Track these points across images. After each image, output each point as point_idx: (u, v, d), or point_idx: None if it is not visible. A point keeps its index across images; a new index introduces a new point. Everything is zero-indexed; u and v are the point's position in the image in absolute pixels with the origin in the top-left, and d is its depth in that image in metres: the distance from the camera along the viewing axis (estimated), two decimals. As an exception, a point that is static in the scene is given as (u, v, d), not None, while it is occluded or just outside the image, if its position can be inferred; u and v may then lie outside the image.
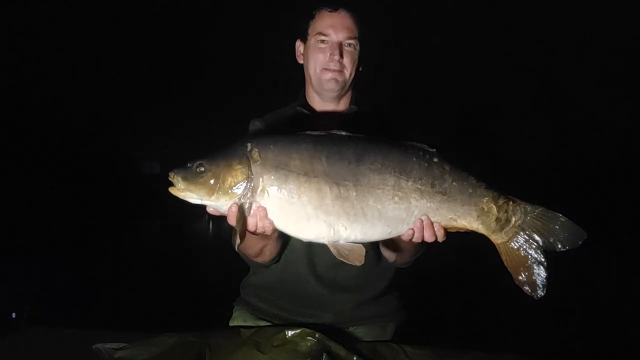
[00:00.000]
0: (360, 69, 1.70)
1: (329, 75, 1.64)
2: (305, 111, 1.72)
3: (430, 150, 1.31)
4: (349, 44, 1.63)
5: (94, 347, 1.46)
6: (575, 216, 1.27)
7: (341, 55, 1.62)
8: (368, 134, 1.34)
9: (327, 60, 1.63)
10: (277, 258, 1.65)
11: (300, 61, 1.76)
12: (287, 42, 1.81)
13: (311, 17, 1.67)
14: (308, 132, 1.32)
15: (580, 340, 3.58)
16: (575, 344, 3.51)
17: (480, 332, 3.52)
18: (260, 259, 1.63)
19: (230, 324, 1.78)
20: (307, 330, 1.43)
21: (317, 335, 1.41)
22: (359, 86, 1.76)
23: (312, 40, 1.66)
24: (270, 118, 1.78)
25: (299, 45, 1.75)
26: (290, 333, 1.44)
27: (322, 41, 1.64)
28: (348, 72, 1.65)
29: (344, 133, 1.32)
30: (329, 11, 1.64)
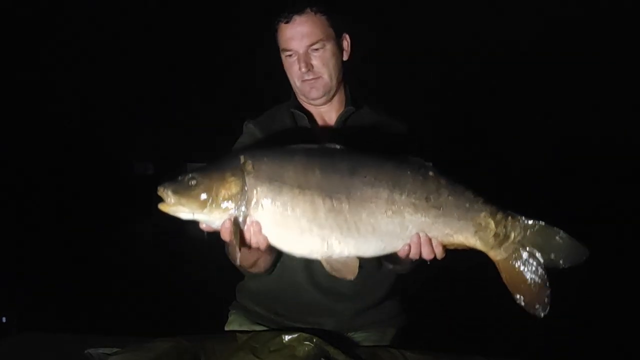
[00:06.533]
0: (345, 59, 1.64)
1: (307, 86, 1.60)
2: (301, 113, 1.67)
3: (426, 164, 1.28)
4: (315, 49, 1.56)
5: (85, 352, 1.44)
6: (576, 219, 1.24)
7: (311, 64, 1.57)
8: (365, 144, 1.32)
9: (300, 73, 1.58)
10: (272, 269, 1.62)
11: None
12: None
13: (275, 30, 1.61)
14: (301, 145, 1.30)
15: (581, 347, 3.56)
16: (576, 350, 3.50)
17: (480, 337, 3.51)
18: (254, 270, 1.59)
19: (226, 328, 1.75)
20: (304, 334, 1.41)
21: (314, 340, 1.39)
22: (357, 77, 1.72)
23: (282, 56, 1.62)
24: (264, 120, 1.73)
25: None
26: (287, 337, 1.41)
27: (289, 55, 1.59)
28: (326, 74, 1.59)
29: (338, 146, 1.30)
30: (285, 23, 1.56)
